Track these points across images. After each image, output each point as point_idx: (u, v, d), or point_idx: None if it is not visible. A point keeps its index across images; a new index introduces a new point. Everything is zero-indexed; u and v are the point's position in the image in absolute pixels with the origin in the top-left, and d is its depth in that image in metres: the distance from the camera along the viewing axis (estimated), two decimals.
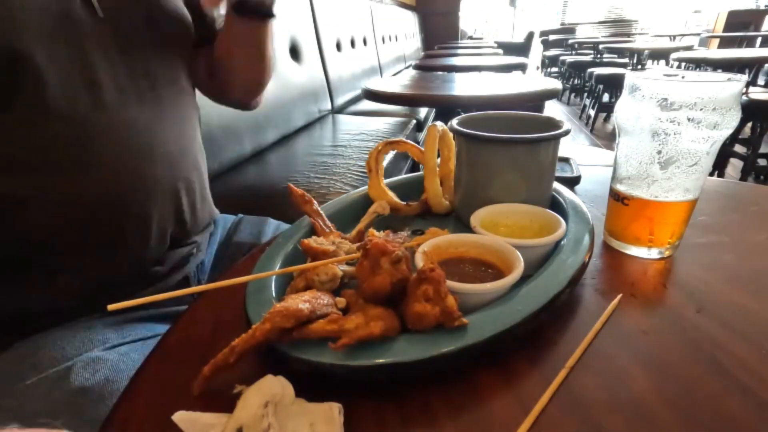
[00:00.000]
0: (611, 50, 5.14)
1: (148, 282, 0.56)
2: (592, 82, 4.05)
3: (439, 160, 0.55)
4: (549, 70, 7.67)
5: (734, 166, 2.65)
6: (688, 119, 0.38)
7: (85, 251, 0.49)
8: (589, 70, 4.27)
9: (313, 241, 0.39)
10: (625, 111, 0.42)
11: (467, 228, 0.42)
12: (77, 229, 0.48)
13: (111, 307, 0.30)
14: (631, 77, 0.41)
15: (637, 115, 0.40)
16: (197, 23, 0.63)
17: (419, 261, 0.36)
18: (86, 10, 0.46)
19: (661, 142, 0.40)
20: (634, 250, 0.45)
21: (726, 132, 0.38)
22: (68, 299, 0.50)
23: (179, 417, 0.26)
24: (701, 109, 0.37)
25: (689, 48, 4.17)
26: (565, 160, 0.68)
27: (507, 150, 0.45)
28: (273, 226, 0.77)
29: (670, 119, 0.38)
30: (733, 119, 0.38)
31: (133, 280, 0.54)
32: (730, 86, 0.37)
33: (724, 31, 6.36)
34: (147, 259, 0.55)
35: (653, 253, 0.44)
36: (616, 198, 0.45)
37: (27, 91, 0.42)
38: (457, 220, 0.51)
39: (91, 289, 0.51)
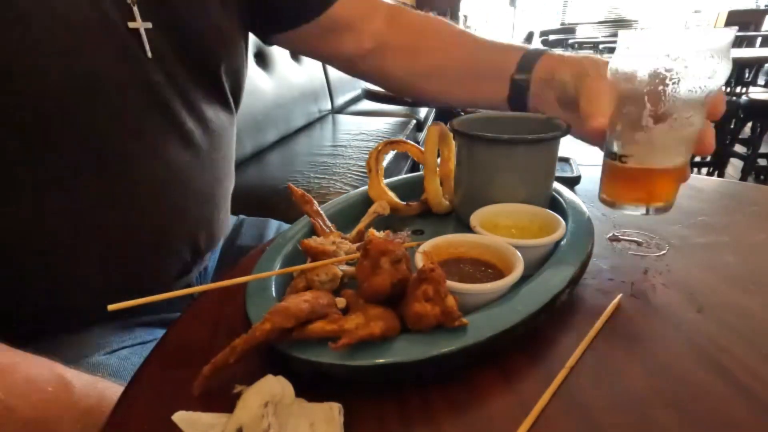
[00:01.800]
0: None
1: (153, 292, 0.56)
2: None
3: (439, 160, 0.55)
4: None
5: (734, 166, 2.65)
6: (685, 67, 0.38)
7: (98, 275, 0.49)
8: None
9: (313, 241, 0.39)
10: (620, 66, 0.40)
11: (467, 228, 0.42)
12: (97, 253, 0.48)
13: (111, 307, 0.30)
14: (625, 36, 0.40)
15: (632, 70, 0.39)
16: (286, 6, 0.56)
17: (419, 261, 0.36)
18: (137, 52, 0.45)
19: (658, 95, 0.38)
20: (630, 210, 0.43)
21: (721, 81, 0.38)
22: (74, 307, 0.50)
23: (179, 417, 0.26)
24: (700, 58, 0.37)
25: None
26: (565, 160, 0.68)
27: (507, 150, 0.45)
28: (274, 227, 0.77)
29: (668, 69, 0.38)
30: (726, 68, 0.37)
31: (140, 292, 0.54)
32: (725, 34, 0.37)
33: None
34: (159, 279, 0.55)
35: (650, 212, 0.43)
36: (613, 158, 0.43)
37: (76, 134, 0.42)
38: (457, 220, 0.51)
39: (99, 298, 0.51)
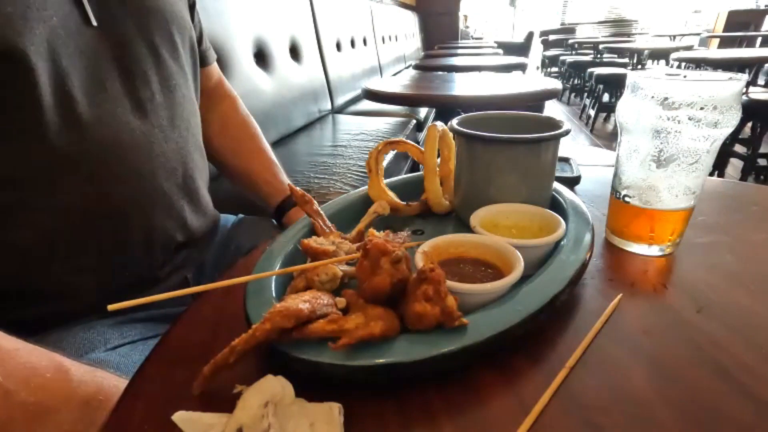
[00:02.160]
0: (611, 50, 5.14)
1: (149, 285, 0.56)
2: (592, 82, 4.05)
3: (439, 160, 0.54)
4: (549, 70, 7.67)
5: (734, 166, 2.65)
6: (689, 118, 0.38)
7: (87, 258, 0.49)
8: (589, 70, 4.27)
9: (313, 241, 0.39)
10: (626, 109, 0.42)
11: (467, 228, 0.42)
12: (78, 236, 0.48)
13: (111, 307, 0.30)
14: (633, 76, 0.41)
15: (638, 114, 0.40)
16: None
17: (419, 261, 0.36)
18: (81, 19, 0.46)
19: (662, 140, 0.40)
20: (635, 248, 0.45)
21: (726, 130, 0.38)
22: (69, 303, 0.50)
23: (179, 417, 0.26)
24: (702, 108, 0.37)
25: (689, 48, 4.17)
26: (565, 160, 0.68)
27: (507, 150, 0.45)
28: (273, 226, 0.77)
29: (671, 117, 0.38)
30: (733, 118, 0.38)
31: (135, 283, 0.54)
32: (731, 85, 0.37)
33: (724, 31, 6.36)
34: (152, 265, 0.55)
35: (654, 251, 0.44)
36: (618, 196, 0.45)
37: (25, 101, 0.42)
38: (457, 220, 0.51)
39: (93, 293, 0.51)
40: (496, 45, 5.38)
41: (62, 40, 0.44)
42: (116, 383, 0.38)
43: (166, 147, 0.54)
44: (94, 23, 0.47)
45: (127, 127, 0.49)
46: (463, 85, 1.51)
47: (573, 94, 5.84)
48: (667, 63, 4.33)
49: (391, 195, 0.52)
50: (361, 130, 1.62)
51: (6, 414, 0.32)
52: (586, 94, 4.76)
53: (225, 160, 0.77)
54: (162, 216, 0.54)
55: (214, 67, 0.77)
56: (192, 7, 0.67)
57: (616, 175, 0.46)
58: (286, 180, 0.77)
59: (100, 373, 0.38)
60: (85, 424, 0.34)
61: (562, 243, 0.40)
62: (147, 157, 0.51)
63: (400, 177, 0.59)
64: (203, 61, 0.71)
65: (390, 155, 1.35)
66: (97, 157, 0.47)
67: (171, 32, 0.57)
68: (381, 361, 0.28)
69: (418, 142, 0.65)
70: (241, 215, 0.79)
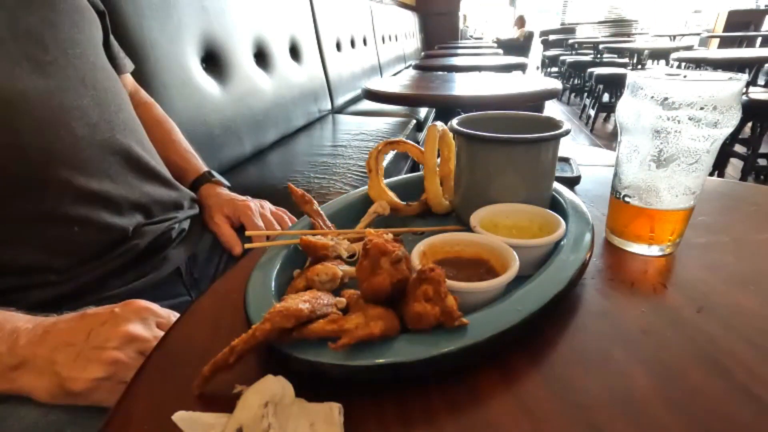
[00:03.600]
0: (611, 50, 5.14)
1: (138, 273, 0.57)
2: (592, 82, 4.05)
3: (439, 160, 0.54)
4: (549, 70, 7.67)
5: (734, 166, 2.65)
6: (689, 118, 0.38)
7: (21, 227, 0.48)
8: (589, 70, 4.27)
9: (312, 238, 0.39)
10: (626, 110, 0.42)
11: (467, 228, 0.42)
12: (10, 202, 0.47)
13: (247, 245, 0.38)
14: (632, 76, 0.41)
15: (638, 114, 0.40)
16: None
17: (416, 260, 0.36)
18: None
19: (662, 140, 0.40)
20: (635, 248, 0.45)
21: (726, 131, 0.38)
22: (53, 289, 0.50)
23: (179, 417, 0.26)
24: (702, 108, 0.37)
25: (689, 48, 4.17)
26: (565, 160, 0.68)
27: (507, 150, 0.45)
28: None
29: (671, 117, 0.38)
30: (733, 118, 0.38)
31: (118, 266, 0.54)
32: (731, 85, 0.37)
33: (724, 31, 6.36)
34: (115, 231, 0.54)
35: (654, 251, 0.44)
36: (618, 196, 0.45)
37: None
38: (457, 220, 0.51)
39: (78, 277, 0.51)
40: (496, 45, 5.38)
41: None
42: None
43: (81, 102, 0.53)
44: None
45: (29, 84, 0.49)
46: (463, 85, 1.51)
47: (573, 94, 5.83)
48: (667, 63, 4.33)
49: (391, 195, 0.52)
50: (361, 130, 1.62)
51: None
52: (586, 94, 4.76)
53: None
54: (94, 172, 0.53)
55: (127, 77, 0.78)
56: (102, 16, 0.67)
57: (616, 175, 0.46)
58: (200, 163, 0.79)
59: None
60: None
61: (562, 243, 0.40)
62: (57, 109, 0.51)
63: (400, 177, 0.59)
64: (119, 68, 0.72)
65: (390, 155, 1.35)
66: (5, 114, 0.46)
67: (69, 9, 0.57)
68: (381, 361, 0.28)
69: (418, 142, 0.65)
70: None
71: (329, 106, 2.02)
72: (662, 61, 4.63)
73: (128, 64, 0.77)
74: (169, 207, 0.64)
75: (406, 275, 0.32)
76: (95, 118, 0.55)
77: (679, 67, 3.33)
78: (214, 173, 0.78)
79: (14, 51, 0.49)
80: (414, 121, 1.92)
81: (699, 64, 2.93)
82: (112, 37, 0.71)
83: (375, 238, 0.33)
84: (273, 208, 0.76)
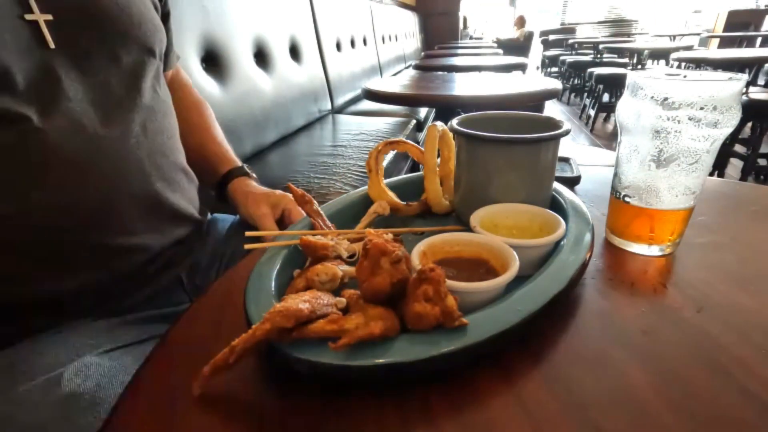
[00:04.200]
0: (611, 50, 5.14)
1: (138, 283, 0.56)
2: (592, 82, 4.05)
3: (439, 160, 0.54)
4: (549, 70, 7.67)
5: (734, 166, 2.65)
6: (689, 118, 0.38)
7: (63, 262, 0.49)
8: (589, 70, 4.27)
9: (312, 237, 0.39)
10: (626, 110, 0.42)
11: (467, 228, 0.42)
12: (52, 241, 0.47)
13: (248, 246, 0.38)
14: (632, 76, 0.41)
15: (638, 114, 0.40)
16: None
17: (416, 260, 0.36)
18: (36, 43, 0.45)
19: (662, 140, 0.40)
20: (635, 248, 0.45)
21: (726, 130, 0.38)
22: (57, 303, 0.49)
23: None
24: (701, 108, 0.37)
25: (689, 48, 4.17)
26: (565, 160, 0.68)
27: (507, 150, 0.45)
28: None
29: (671, 117, 0.38)
30: (733, 118, 0.38)
31: (121, 285, 0.54)
32: (731, 85, 0.37)
33: (724, 31, 6.36)
34: (134, 266, 0.54)
35: (654, 251, 0.44)
36: (618, 196, 0.45)
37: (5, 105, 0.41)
38: (457, 220, 0.51)
39: (82, 292, 0.50)
40: (495, 45, 5.38)
41: (16, 62, 0.43)
42: None
43: (139, 152, 0.53)
44: (52, 46, 0.46)
45: (95, 136, 0.48)
46: (463, 85, 1.51)
47: (573, 94, 5.84)
48: (667, 63, 4.33)
49: (391, 195, 0.52)
50: (361, 130, 1.62)
51: None
52: (586, 94, 4.76)
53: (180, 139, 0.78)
54: (137, 220, 0.53)
55: (177, 66, 0.78)
56: (166, 18, 0.66)
57: (616, 175, 0.46)
58: (234, 156, 0.77)
59: None
60: None
61: (562, 243, 0.40)
62: (117, 163, 0.50)
63: (400, 177, 0.59)
64: (168, 66, 0.71)
65: (390, 155, 1.35)
66: (64, 168, 0.46)
67: (137, 36, 0.55)
68: (381, 361, 0.28)
69: (418, 142, 0.65)
70: (238, 216, 0.79)
71: (329, 106, 2.02)
72: (662, 61, 4.63)
73: (175, 59, 0.75)
74: (185, 237, 0.63)
75: (406, 275, 0.32)
76: (147, 169, 0.54)
77: (679, 67, 3.33)
78: (248, 167, 0.75)
79: (83, 98, 0.48)
80: (414, 121, 1.92)
81: (699, 64, 2.93)
82: (171, 38, 0.70)
83: (375, 238, 0.32)
84: None
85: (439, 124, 0.53)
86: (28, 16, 0.44)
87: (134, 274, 0.55)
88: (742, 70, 2.65)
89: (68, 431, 0.39)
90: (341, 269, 0.37)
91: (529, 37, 7.26)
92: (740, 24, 6.29)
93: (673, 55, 3.18)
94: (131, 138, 0.52)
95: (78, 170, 0.47)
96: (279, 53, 1.57)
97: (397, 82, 1.71)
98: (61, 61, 0.47)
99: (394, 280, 0.31)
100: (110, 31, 0.52)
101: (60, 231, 0.47)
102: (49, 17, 0.45)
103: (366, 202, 0.52)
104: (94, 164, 0.48)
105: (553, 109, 5.08)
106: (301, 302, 0.30)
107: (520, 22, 7.61)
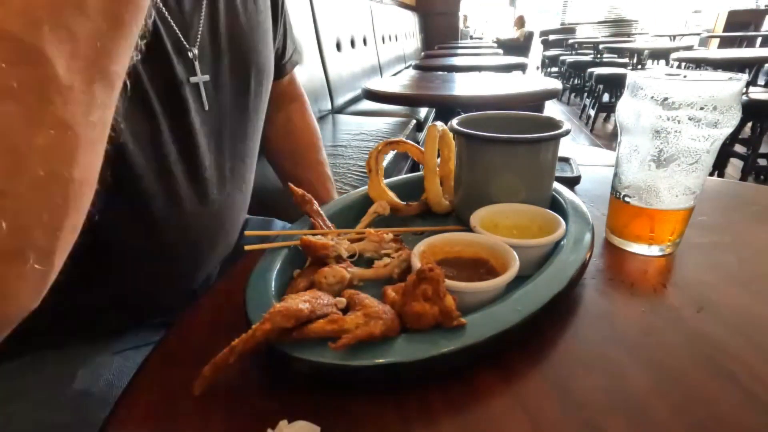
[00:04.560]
0: (611, 50, 5.14)
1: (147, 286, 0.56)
2: (592, 82, 4.05)
3: (439, 160, 0.54)
4: (549, 70, 7.67)
5: (734, 166, 2.65)
6: (689, 118, 0.38)
7: (125, 301, 0.49)
8: (589, 70, 4.27)
9: (313, 237, 0.39)
10: (626, 110, 0.42)
11: (467, 228, 0.42)
12: (128, 290, 0.48)
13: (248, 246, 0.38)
14: (632, 76, 0.41)
15: (638, 114, 0.40)
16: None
17: (416, 261, 0.36)
18: (196, 103, 0.45)
19: (662, 140, 0.40)
20: (635, 248, 0.45)
21: (726, 130, 0.38)
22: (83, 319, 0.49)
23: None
24: (702, 108, 0.37)
25: (689, 48, 4.17)
26: (565, 160, 0.68)
27: (507, 150, 0.45)
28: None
29: (671, 117, 0.38)
30: (733, 118, 0.38)
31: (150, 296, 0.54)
32: (731, 85, 0.37)
33: (724, 31, 6.36)
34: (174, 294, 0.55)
35: (654, 251, 0.44)
36: (618, 196, 0.45)
37: (131, 188, 0.41)
38: (457, 220, 0.51)
39: (110, 306, 0.51)
40: (495, 45, 5.38)
41: (180, 125, 0.43)
42: None
43: (226, 213, 0.53)
44: (206, 108, 0.46)
45: (208, 202, 0.48)
46: (463, 85, 1.51)
47: (573, 94, 5.83)
48: (667, 63, 4.33)
49: (391, 195, 0.52)
50: (361, 130, 1.62)
51: None
52: (586, 94, 4.76)
53: (281, 163, 0.77)
54: (199, 270, 0.54)
55: (292, 72, 0.76)
56: (277, 21, 0.64)
57: (616, 175, 0.46)
58: (333, 190, 0.76)
59: None
60: None
61: (562, 243, 0.40)
62: (212, 228, 0.51)
63: (400, 177, 0.59)
64: (282, 73, 0.70)
65: (390, 155, 1.35)
66: (183, 233, 0.46)
67: (263, 82, 0.55)
68: (381, 361, 0.28)
69: (418, 142, 0.65)
70: (247, 216, 0.79)
71: (329, 106, 2.02)
72: (662, 61, 4.63)
73: (294, 63, 0.72)
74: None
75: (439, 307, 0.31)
76: (228, 226, 0.54)
77: (679, 67, 3.33)
78: None
79: (210, 166, 0.47)
80: (414, 121, 1.92)
81: (699, 64, 2.93)
82: (290, 32, 0.68)
83: (437, 269, 0.31)
84: None
85: (439, 124, 0.53)
86: (192, 79, 0.44)
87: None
88: (742, 70, 2.65)
89: (81, 429, 0.39)
90: (350, 271, 0.37)
91: (529, 37, 7.26)
92: (740, 24, 6.29)
93: (673, 55, 3.18)
94: (228, 199, 0.52)
95: (188, 235, 0.47)
96: None
97: (397, 82, 1.71)
98: (207, 127, 0.47)
99: (435, 311, 0.30)
100: (248, 81, 0.52)
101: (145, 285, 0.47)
102: (206, 78, 0.45)
103: (366, 202, 0.52)
104: (197, 230, 0.48)
105: (553, 109, 5.08)
106: (301, 302, 0.30)
107: (520, 22, 7.61)
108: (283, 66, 0.70)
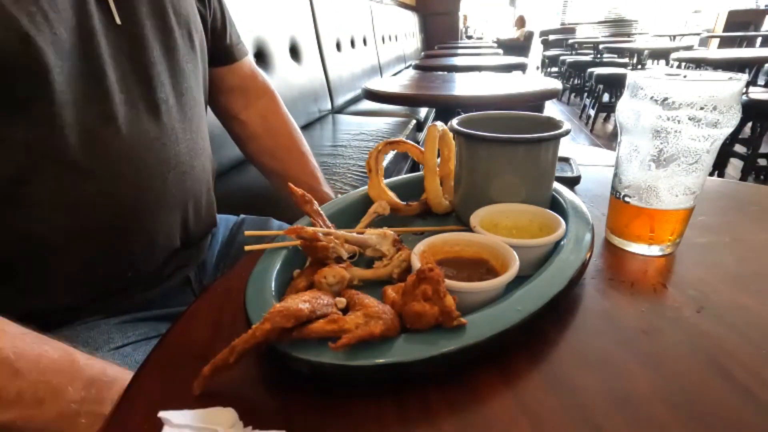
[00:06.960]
0: (611, 50, 5.14)
1: (152, 284, 0.56)
2: (592, 82, 4.05)
3: (439, 160, 0.54)
4: (549, 70, 7.67)
5: (734, 166, 2.65)
6: (689, 118, 0.38)
7: (89, 257, 0.49)
8: (589, 70, 4.27)
9: (305, 226, 0.38)
10: (626, 110, 0.42)
11: (467, 228, 0.42)
12: (81, 235, 0.47)
13: (248, 247, 0.39)
14: (632, 76, 0.41)
15: (638, 114, 0.40)
16: (212, 41, 0.63)
17: (416, 261, 0.36)
18: (104, 18, 0.45)
19: (662, 140, 0.40)
20: (635, 248, 0.45)
21: (726, 130, 0.38)
22: (69, 300, 0.50)
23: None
24: (702, 108, 0.37)
25: (689, 48, 4.17)
26: (565, 160, 0.68)
27: (507, 150, 0.45)
28: (275, 226, 0.77)
29: (671, 117, 0.38)
30: (733, 118, 0.38)
31: (135, 282, 0.54)
32: (731, 85, 0.37)
33: (724, 31, 6.36)
34: (151, 265, 0.55)
35: (654, 251, 0.44)
36: (618, 196, 0.45)
37: (40, 102, 0.41)
38: (457, 220, 0.51)
39: (93, 292, 0.51)
40: (495, 44, 5.38)
41: (84, 41, 0.43)
42: (118, 368, 0.39)
43: (177, 149, 0.52)
44: (119, 21, 0.46)
45: (143, 129, 0.48)
46: (463, 85, 1.51)
47: (573, 94, 5.84)
48: (667, 63, 4.33)
49: (391, 195, 0.52)
50: (361, 130, 1.62)
51: (15, 391, 0.34)
52: (586, 94, 4.76)
53: (266, 162, 0.77)
54: (166, 218, 0.53)
55: (245, 61, 0.75)
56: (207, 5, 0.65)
57: (616, 175, 0.46)
58: (329, 189, 0.76)
59: (101, 360, 0.40)
60: (91, 401, 0.36)
61: (562, 243, 0.40)
62: (158, 159, 0.50)
63: (400, 177, 0.59)
64: (230, 57, 0.70)
65: (390, 155, 1.35)
66: (112, 159, 0.46)
67: (189, 33, 0.56)
68: (381, 361, 0.28)
69: (418, 142, 0.65)
70: (242, 216, 0.79)
71: (329, 106, 2.02)
72: (662, 61, 4.63)
73: (243, 50, 0.73)
74: (202, 235, 0.63)
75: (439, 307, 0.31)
76: (185, 167, 0.54)
77: (679, 67, 3.33)
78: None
79: (136, 89, 0.48)
80: (414, 121, 1.92)
81: (699, 64, 2.93)
82: (228, 21, 0.69)
83: (437, 269, 0.31)
84: None
85: (439, 124, 0.53)
86: None
87: (151, 274, 0.55)
88: (742, 70, 2.65)
89: (81, 426, 0.39)
90: (349, 271, 0.37)
91: (529, 37, 7.26)
92: (740, 24, 6.29)
93: (673, 55, 3.18)
94: (172, 133, 0.52)
95: (125, 163, 0.47)
96: (279, 53, 1.57)
97: (397, 82, 1.71)
98: (124, 45, 0.47)
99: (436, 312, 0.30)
100: (168, 19, 0.53)
101: (98, 218, 0.47)
102: None
103: (366, 202, 0.52)
104: (139, 158, 0.48)
105: (553, 109, 5.08)
106: (301, 302, 0.30)
107: (520, 22, 7.61)
108: (229, 49, 0.70)
